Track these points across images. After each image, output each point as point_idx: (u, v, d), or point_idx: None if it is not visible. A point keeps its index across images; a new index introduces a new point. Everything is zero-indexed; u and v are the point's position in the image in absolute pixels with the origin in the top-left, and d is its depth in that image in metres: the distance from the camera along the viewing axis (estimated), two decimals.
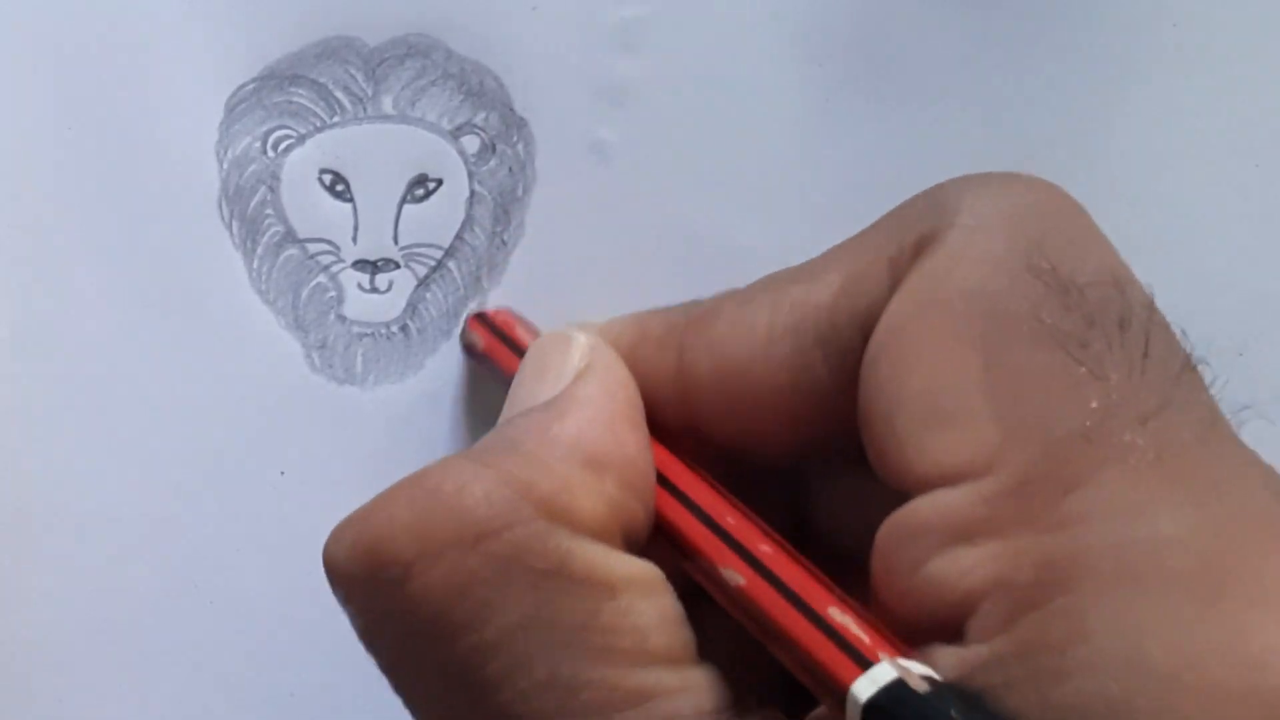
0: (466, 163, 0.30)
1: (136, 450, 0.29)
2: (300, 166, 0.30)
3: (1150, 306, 0.21)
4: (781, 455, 0.24)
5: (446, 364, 0.30)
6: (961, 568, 0.19)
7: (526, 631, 0.19)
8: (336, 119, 0.30)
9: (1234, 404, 0.21)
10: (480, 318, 0.29)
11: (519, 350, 0.27)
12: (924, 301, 0.21)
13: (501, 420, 0.23)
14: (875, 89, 0.30)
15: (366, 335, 0.30)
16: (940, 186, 0.23)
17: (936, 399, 0.20)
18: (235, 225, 0.30)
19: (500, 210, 0.30)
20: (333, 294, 0.30)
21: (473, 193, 0.30)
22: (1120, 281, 0.21)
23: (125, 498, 0.29)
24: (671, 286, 0.30)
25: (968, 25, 0.30)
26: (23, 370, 0.29)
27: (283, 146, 0.30)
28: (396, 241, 0.30)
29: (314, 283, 0.30)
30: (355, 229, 0.30)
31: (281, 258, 0.30)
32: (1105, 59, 0.30)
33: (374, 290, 0.30)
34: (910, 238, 0.22)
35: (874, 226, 0.23)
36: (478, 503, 0.20)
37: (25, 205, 0.29)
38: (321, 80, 0.30)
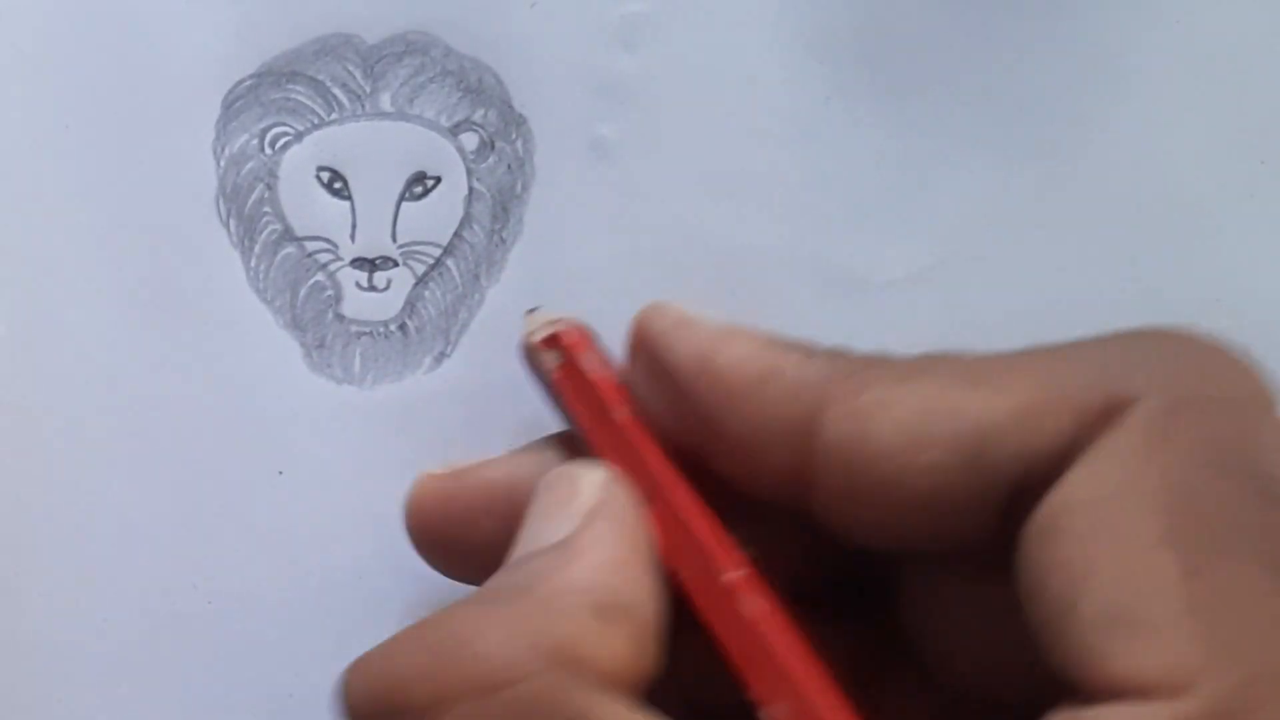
0: (465, 160, 0.30)
1: (135, 449, 0.29)
2: (298, 164, 0.30)
3: None
4: (884, 542, 0.22)
5: (445, 363, 0.30)
6: None
7: None
8: (334, 116, 0.30)
9: None
10: (554, 340, 0.25)
11: (585, 393, 0.24)
12: (1115, 487, 0.20)
13: (514, 557, 0.23)
14: (875, 89, 0.30)
15: (365, 334, 0.30)
16: (1133, 340, 0.21)
17: (1129, 602, 0.19)
18: (233, 223, 0.30)
19: (499, 208, 0.30)
20: (330, 292, 0.30)
21: (471, 190, 0.30)
22: None
23: (124, 497, 0.29)
24: (671, 285, 0.30)
25: (968, 24, 0.29)
26: (19, 368, 0.29)
27: (280, 144, 0.30)
28: (395, 239, 0.30)
29: (312, 281, 0.30)
30: (353, 227, 0.30)
31: (279, 256, 0.30)
32: (1106, 59, 0.29)
33: (372, 289, 0.30)
34: (1097, 396, 0.20)
35: (1062, 355, 0.21)
36: (492, 651, 0.20)
37: (22, 203, 0.29)
38: (319, 77, 0.30)
